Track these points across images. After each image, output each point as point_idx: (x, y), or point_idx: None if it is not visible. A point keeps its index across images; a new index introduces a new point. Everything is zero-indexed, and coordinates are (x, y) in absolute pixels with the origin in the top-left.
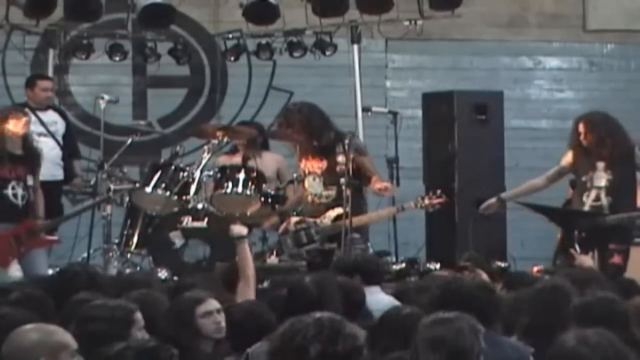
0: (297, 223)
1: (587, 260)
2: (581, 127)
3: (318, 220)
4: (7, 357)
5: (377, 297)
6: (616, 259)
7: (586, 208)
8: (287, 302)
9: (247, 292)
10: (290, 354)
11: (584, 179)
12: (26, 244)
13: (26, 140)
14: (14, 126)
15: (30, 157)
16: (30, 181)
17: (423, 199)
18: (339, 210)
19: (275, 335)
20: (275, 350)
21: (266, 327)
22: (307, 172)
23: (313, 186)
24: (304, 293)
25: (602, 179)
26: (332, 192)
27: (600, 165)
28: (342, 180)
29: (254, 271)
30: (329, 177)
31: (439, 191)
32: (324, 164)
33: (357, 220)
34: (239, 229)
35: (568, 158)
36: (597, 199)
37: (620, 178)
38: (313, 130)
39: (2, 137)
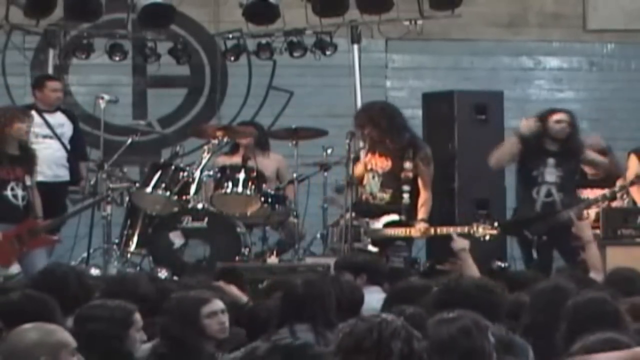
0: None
1: (587, 229)
2: (566, 117)
3: (371, 222)
4: (7, 356)
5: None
6: (583, 256)
7: (538, 205)
8: (281, 302)
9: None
10: (368, 352)
11: (534, 173)
12: (28, 244)
13: (25, 139)
14: (17, 130)
15: (27, 157)
16: (28, 181)
17: (478, 227)
18: (394, 217)
19: (343, 335)
20: (348, 350)
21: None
22: (368, 167)
23: (370, 184)
24: (292, 293)
25: (552, 174)
26: (386, 196)
27: (551, 161)
28: (405, 187)
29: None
30: (389, 179)
31: (496, 223)
32: (388, 165)
33: (414, 230)
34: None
35: (517, 146)
36: (549, 194)
37: (569, 174)
38: (384, 129)
39: (3, 138)
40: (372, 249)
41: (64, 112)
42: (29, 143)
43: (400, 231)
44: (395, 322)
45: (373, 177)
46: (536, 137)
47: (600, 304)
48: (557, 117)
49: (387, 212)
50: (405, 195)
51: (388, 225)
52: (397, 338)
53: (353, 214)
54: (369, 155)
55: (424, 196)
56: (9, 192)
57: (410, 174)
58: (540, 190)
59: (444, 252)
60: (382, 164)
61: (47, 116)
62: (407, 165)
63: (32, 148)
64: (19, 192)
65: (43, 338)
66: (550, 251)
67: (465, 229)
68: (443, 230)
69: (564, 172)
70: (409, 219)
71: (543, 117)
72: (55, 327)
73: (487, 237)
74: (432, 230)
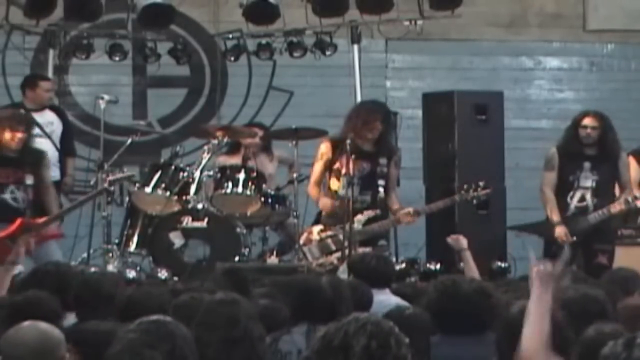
0: (321, 231)
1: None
2: (592, 121)
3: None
4: (25, 355)
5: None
6: (601, 259)
7: (571, 209)
8: (302, 303)
9: None
10: (335, 352)
11: (570, 178)
12: (37, 239)
13: (25, 143)
14: (11, 138)
15: (29, 158)
16: (28, 181)
17: (467, 191)
18: (368, 214)
19: (317, 339)
20: (320, 351)
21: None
22: (343, 172)
23: (350, 192)
24: (319, 294)
25: (588, 179)
26: (368, 198)
27: (587, 165)
28: (380, 182)
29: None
30: (369, 181)
31: (481, 182)
32: (367, 168)
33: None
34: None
35: (556, 160)
36: (582, 199)
37: (606, 179)
38: (388, 128)
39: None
40: (364, 249)
41: (53, 109)
42: (31, 142)
43: (387, 223)
44: (365, 320)
45: (349, 183)
46: (572, 142)
47: (590, 301)
48: (583, 122)
49: (360, 211)
50: (381, 190)
51: (368, 223)
52: (362, 335)
53: (322, 226)
54: (339, 161)
55: (393, 194)
56: (7, 195)
57: (385, 169)
58: (574, 195)
59: (444, 253)
60: (359, 167)
61: (36, 115)
62: (383, 162)
63: (33, 148)
64: (19, 195)
65: (55, 335)
66: (576, 253)
67: (456, 198)
68: (430, 207)
69: (600, 176)
70: (384, 211)
71: (575, 121)
72: (49, 325)
73: (482, 198)
74: (419, 211)
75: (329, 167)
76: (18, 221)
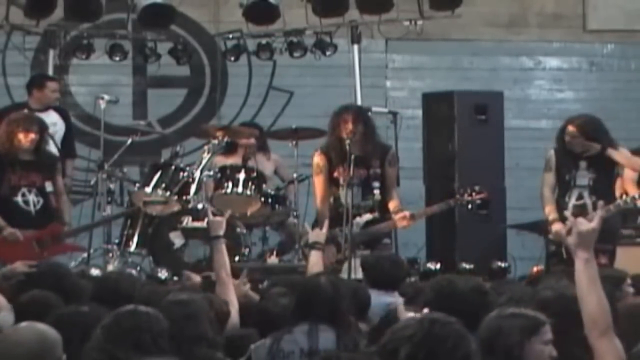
0: None
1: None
2: (574, 130)
3: (346, 228)
4: (27, 357)
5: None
6: (601, 260)
7: (570, 208)
8: (302, 301)
9: (226, 294)
10: (383, 355)
11: (567, 177)
12: (49, 249)
13: (40, 145)
14: (24, 138)
15: (45, 163)
16: (49, 187)
17: (462, 195)
18: (368, 216)
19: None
20: (380, 354)
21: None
22: (340, 182)
23: (348, 196)
24: (319, 292)
25: (585, 177)
26: (369, 203)
27: (583, 164)
28: (375, 184)
29: (229, 271)
30: (368, 185)
31: (477, 187)
32: (364, 173)
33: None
34: (217, 228)
35: (553, 161)
36: (580, 197)
37: (603, 177)
38: (371, 129)
39: (11, 144)
40: (365, 252)
41: (56, 110)
42: (48, 147)
43: (385, 225)
44: (422, 325)
45: (350, 189)
46: (563, 144)
47: (567, 300)
48: (567, 129)
49: (359, 214)
50: (376, 192)
51: (368, 225)
52: (410, 341)
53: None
54: (336, 169)
55: (393, 194)
56: (19, 198)
57: (379, 170)
58: (571, 194)
59: (444, 253)
60: (357, 173)
61: (40, 116)
62: (375, 164)
63: (52, 152)
64: (31, 198)
65: (52, 336)
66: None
67: (451, 202)
68: (426, 211)
69: (597, 175)
70: (382, 214)
71: (562, 126)
72: (45, 326)
73: (477, 202)
74: (415, 215)
75: (329, 178)
76: (50, 227)
